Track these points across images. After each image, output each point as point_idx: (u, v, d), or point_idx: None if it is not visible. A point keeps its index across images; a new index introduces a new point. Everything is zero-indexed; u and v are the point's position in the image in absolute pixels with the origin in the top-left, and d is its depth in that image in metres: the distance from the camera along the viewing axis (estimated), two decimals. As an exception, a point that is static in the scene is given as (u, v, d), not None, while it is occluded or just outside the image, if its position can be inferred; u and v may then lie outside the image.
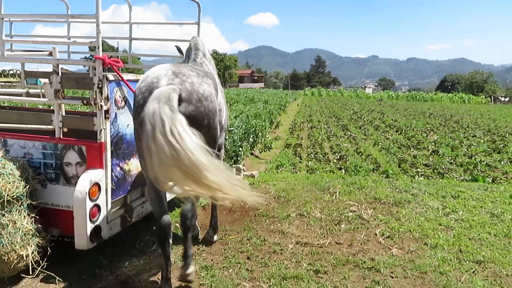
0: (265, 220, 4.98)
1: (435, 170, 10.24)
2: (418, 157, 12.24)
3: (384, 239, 4.43)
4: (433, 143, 15.02)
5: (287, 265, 3.84)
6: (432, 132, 18.52)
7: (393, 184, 6.46)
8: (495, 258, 3.98)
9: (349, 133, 17.87)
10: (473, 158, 11.94)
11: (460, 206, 5.44)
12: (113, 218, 3.77)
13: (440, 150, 13.20)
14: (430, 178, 9.18)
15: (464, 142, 15.31)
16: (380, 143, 14.65)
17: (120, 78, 3.72)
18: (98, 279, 3.56)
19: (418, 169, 10.33)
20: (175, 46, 4.84)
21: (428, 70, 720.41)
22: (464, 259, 3.96)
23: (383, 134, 17.71)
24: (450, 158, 12.03)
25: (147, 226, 4.64)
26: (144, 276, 3.65)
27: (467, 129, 20.41)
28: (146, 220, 4.56)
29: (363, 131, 18.69)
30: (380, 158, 11.88)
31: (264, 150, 13.15)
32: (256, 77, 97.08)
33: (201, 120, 3.03)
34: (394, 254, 4.08)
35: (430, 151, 13.41)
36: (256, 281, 3.55)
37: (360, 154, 12.56)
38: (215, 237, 4.35)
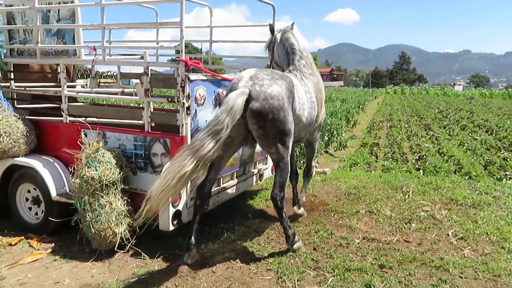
0: (333, 215, 5.09)
1: (528, 174, 9.41)
2: (509, 159, 11.30)
3: (456, 240, 4.31)
4: (528, 145, 13.69)
5: (352, 258, 3.94)
6: (529, 133, 16.83)
7: (473, 186, 6.14)
8: None
9: (431, 133, 16.96)
10: None
11: (549, 211, 5.04)
12: (192, 204, 4.17)
13: (536, 152, 12.04)
14: (520, 181, 8.47)
15: None
16: (465, 144, 13.74)
17: (212, 75, 4.33)
18: (178, 258, 3.99)
19: (507, 172, 9.58)
20: (269, 24, 5.07)
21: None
22: (545, 265, 3.73)
23: (470, 134, 16.53)
24: (548, 161, 10.93)
25: (222, 214, 5.02)
26: (218, 258, 4.00)
27: None
28: (221, 209, 4.94)
29: (447, 131, 17.62)
30: (464, 159, 11.19)
31: (339, 149, 13.07)
32: (335, 75, 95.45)
33: (265, 115, 3.55)
34: (466, 255, 3.97)
35: (524, 153, 12.27)
36: (320, 270, 3.72)
37: (442, 154, 11.93)
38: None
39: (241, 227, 4.72)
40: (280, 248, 4.18)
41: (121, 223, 3.95)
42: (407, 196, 5.69)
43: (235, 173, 4.97)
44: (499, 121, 21.46)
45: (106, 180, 3.85)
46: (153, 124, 4.25)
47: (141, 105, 5.80)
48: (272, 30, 4.96)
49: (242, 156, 5.02)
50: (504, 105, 35.64)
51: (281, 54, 4.80)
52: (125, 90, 4.94)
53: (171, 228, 3.90)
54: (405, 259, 3.90)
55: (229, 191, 4.87)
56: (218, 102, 4.44)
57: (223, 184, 4.73)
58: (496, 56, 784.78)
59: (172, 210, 3.87)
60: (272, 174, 5.98)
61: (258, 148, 5.40)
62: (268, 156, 5.70)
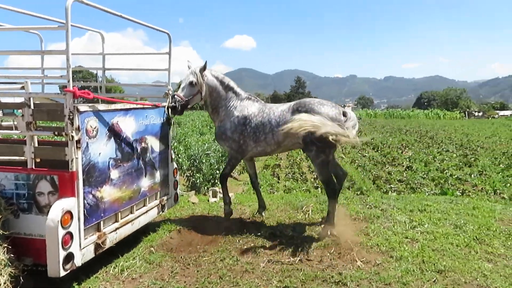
0: (238, 240, 5.10)
1: (408, 185, 10.57)
2: (392, 173, 12.60)
3: (352, 254, 4.60)
4: (407, 159, 15.45)
5: (258, 283, 3.97)
6: (407, 149, 19.03)
7: (364, 201, 6.69)
8: (455, 267, 4.20)
9: (327, 152, 18.21)
10: (444, 172, 12.36)
11: (426, 219, 5.68)
12: (86, 244, 3.85)
13: (414, 165, 13.62)
14: (402, 193, 9.48)
15: (437, 157, 15.81)
16: (356, 161, 15.00)
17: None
18: (71, 306, 3.62)
19: (391, 185, 10.65)
20: (205, 61, 5.42)
21: (405, 88, 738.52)
22: (426, 269, 4.17)
23: (359, 152, 18.12)
24: (423, 173, 12.43)
25: (121, 250, 4.72)
26: (118, 301, 3.72)
27: (441, 144, 21.04)
28: (121, 245, 4.64)
29: (341, 150, 19.08)
30: (356, 175, 12.18)
31: (242, 172, 13.30)
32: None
33: None
34: (360, 267, 4.26)
35: (404, 167, 13.81)
36: (227, 300, 3.67)
37: (337, 172, 12.85)
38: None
39: (143, 263, 4.47)
40: (185, 282, 4.04)
41: (1, 274, 3.46)
42: (307, 215, 5.97)
43: (134, 207, 4.73)
44: (383, 138, 23.92)
45: (-20, 227, 3.37)
46: (38, 160, 3.87)
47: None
48: (204, 68, 5.41)
49: (142, 188, 4.81)
50: (386, 123, 39.92)
51: (220, 89, 5.58)
52: (4, 123, 4.44)
53: (62, 273, 3.53)
54: (307, 278, 4.04)
55: (129, 225, 4.61)
56: (113, 133, 4.22)
57: (121, 219, 4.46)
58: (377, 80, 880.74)
59: (62, 254, 3.51)
60: (175, 203, 5.82)
61: (159, 178, 5.23)
62: (171, 186, 5.55)
